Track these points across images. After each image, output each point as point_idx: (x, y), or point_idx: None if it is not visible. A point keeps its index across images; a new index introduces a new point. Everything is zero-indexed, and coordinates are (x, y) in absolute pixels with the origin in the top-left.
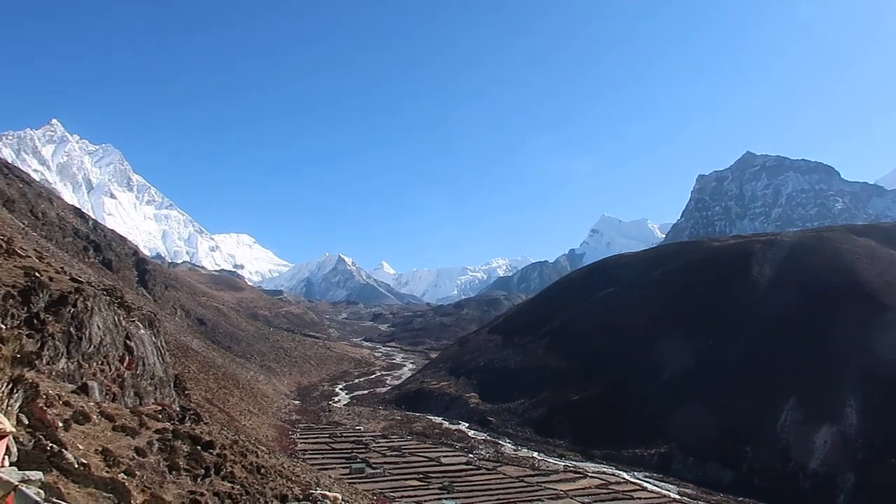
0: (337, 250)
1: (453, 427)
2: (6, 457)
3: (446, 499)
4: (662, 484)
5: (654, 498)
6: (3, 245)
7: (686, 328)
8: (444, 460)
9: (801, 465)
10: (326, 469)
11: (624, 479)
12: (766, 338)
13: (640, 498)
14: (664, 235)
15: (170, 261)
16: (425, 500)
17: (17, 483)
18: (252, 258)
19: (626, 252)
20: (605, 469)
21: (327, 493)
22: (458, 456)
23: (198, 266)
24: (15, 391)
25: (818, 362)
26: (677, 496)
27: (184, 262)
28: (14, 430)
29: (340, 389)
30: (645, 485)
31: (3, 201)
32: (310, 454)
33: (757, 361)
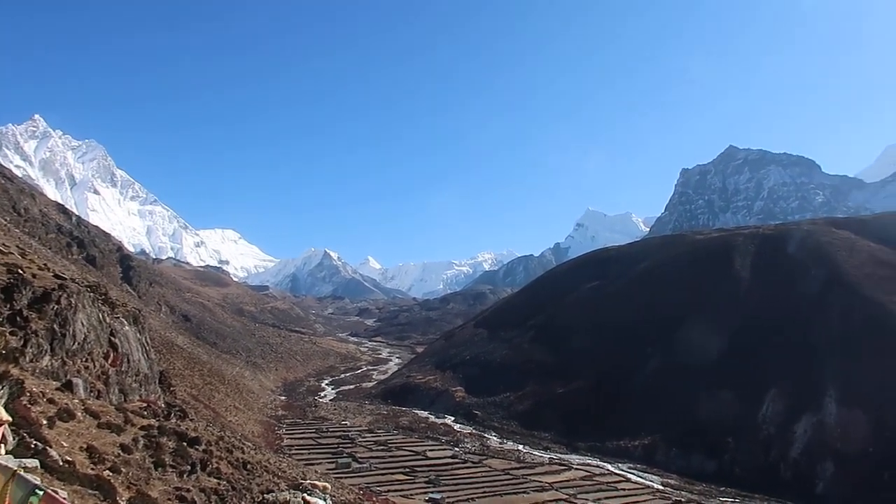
0: (323, 245)
1: (439, 421)
2: (2, 445)
3: (432, 492)
4: (646, 475)
5: (638, 489)
6: None
7: (670, 321)
8: (430, 454)
9: (782, 454)
10: (313, 464)
11: (608, 470)
12: (749, 330)
13: (623, 489)
14: (648, 229)
15: (154, 257)
16: (411, 494)
17: (16, 469)
18: (237, 254)
19: (611, 246)
20: (589, 461)
21: (317, 482)
22: (444, 449)
23: (182, 262)
24: (0, 388)
25: (799, 354)
26: (660, 487)
27: (168, 258)
28: (10, 419)
29: (326, 384)
30: (629, 476)
31: None
32: (296, 450)
33: (740, 354)
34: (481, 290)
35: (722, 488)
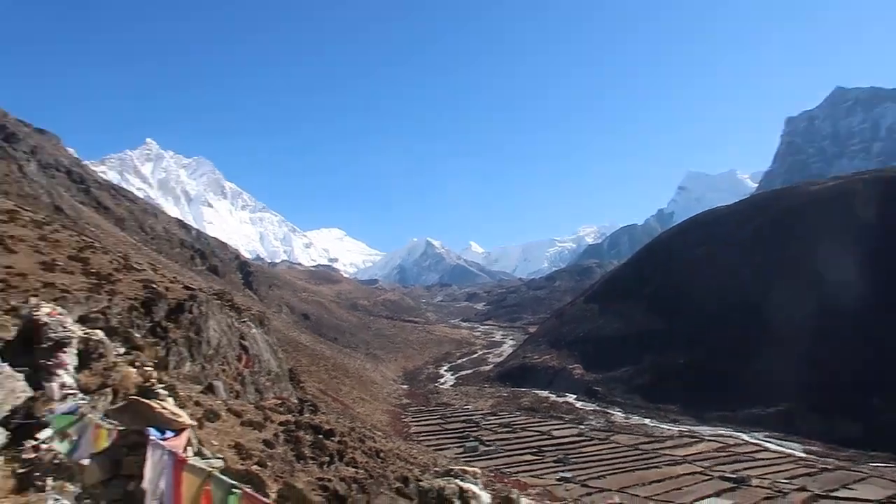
0: (424, 235)
1: (560, 399)
2: (189, 447)
3: (562, 471)
4: (785, 443)
5: (779, 457)
6: (122, 261)
7: (793, 280)
8: (555, 433)
9: None
10: (441, 449)
11: (743, 440)
12: (889, 281)
13: (763, 458)
14: (756, 185)
15: (269, 261)
16: (542, 474)
17: (211, 470)
18: (345, 251)
19: (718, 206)
20: (721, 431)
21: (466, 468)
22: (569, 428)
23: (295, 263)
24: (168, 395)
25: None
26: (804, 454)
27: (282, 260)
28: (194, 423)
29: (445, 371)
30: (767, 445)
31: (115, 220)
32: (423, 436)
33: (880, 308)
34: (587, 264)
35: (872, 453)
